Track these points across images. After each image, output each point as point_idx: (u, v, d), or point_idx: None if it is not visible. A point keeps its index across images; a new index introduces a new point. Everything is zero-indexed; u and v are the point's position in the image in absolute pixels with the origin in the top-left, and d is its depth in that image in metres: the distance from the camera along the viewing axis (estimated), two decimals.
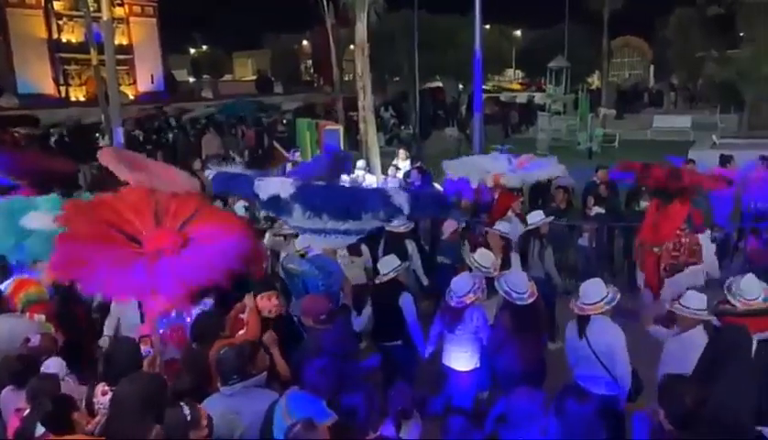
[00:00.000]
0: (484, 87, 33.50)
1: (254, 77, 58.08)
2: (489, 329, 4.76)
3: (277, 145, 16.70)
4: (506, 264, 5.91)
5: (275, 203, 4.64)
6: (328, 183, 5.08)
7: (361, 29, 14.00)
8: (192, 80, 58.84)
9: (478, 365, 4.81)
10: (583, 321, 4.32)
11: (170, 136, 22.92)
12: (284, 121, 24.43)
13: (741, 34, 18.91)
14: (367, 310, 5.33)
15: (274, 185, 4.62)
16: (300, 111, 26.57)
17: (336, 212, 4.62)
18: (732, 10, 18.91)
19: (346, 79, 29.19)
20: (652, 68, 44.70)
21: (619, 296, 4.37)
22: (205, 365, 3.73)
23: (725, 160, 9.43)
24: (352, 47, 16.59)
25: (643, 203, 8.12)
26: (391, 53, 27.14)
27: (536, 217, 6.66)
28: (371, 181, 10.41)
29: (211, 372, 3.67)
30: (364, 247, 6.54)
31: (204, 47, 61.27)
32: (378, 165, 13.72)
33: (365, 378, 4.47)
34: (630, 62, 47.78)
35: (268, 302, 4.45)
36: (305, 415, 3.03)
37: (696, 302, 4.28)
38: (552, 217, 6.90)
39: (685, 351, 4.04)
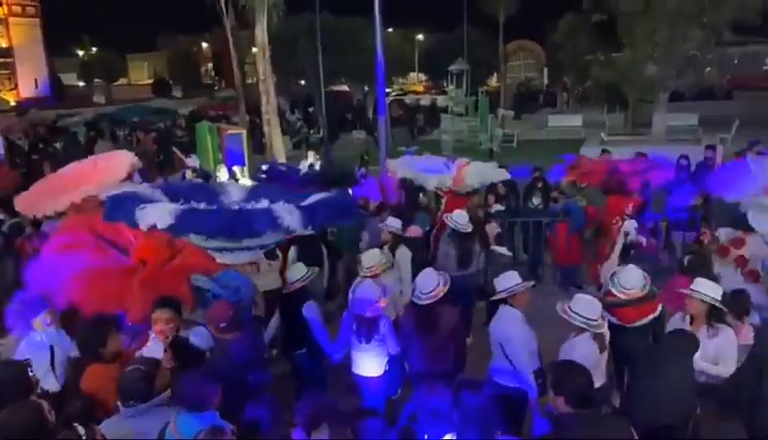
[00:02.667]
0: (389, 90, 34.03)
1: (150, 80, 55.56)
2: (395, 333, 4.78)
3: (176, 150, 16.06)
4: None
5: (163, 229, 4.48)
6: (208, 208, 4.80)
7: (261, 32, 13.77)
8: (81, 84, 55.34)
9: (387, 368, 4.82)
10: (493, 308, 4.44)
11: (59, 144, 21.41)
12: (183, 125, 23.56)
13: (623, 39, 20.33)
14: (276, 319, 5.21)
15: (153, 215, 4.48)
16: (194, 115, 25.69)
17: (228, 235, 4.51)
18: (614, 17, 20.26)
19: (250, 81, 28.59)
20: (545, 70, 47.12)
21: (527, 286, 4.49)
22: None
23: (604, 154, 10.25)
24: (254, 49, 16.28)
25: (536, 200, 8.55)
26: (295, 55, 26.87)
27: (462, 219, 6.71)
28: None
29: (96, 395, 3.48)
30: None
31: (94, 49, 57.70)
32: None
33: (272, 388, 4.38)
34: (525, 65, 49.93)
35: (159, 326, 4.07)
36: (194, 431, 2.97)
37: (580, 306, 4.20)
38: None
39: (573, 357, 3.98)
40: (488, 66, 37.40)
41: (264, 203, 4.82)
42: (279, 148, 13.94)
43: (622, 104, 24.03)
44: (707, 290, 4.37)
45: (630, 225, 7.13)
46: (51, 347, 4.27)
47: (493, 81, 42.41)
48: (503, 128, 23.76)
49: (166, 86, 50.28)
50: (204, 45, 57.93)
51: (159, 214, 4.46)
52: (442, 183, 8.52)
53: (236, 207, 5.08)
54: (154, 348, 4.04)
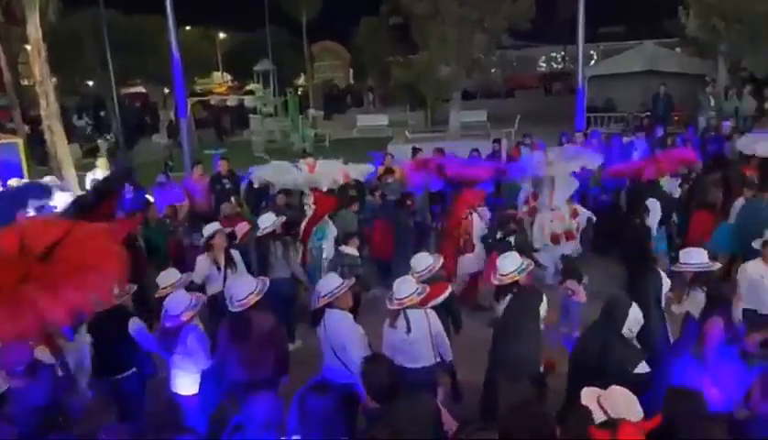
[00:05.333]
0: (192, 91, 32.34)
1: None
2: (205, 347, 4.58)
3: None
4: (230, 263, 6.10)
5: None
6: None
7: (35, 28, 12.22)
8: None
9: (201, 386, 4.59)
10: (318, 313, 4.41)
11: None
12: None
13: (418, 42, 21.66)
14: (80, 342, 4.86)
15: None
16: None
17: None
18: (408, 20, 21.52)
19: (26, 83, 25.23)
20: (351, 71, 48.52)
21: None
22: None
23: (415, 152, 10.71)
24: (28, 47, 14.36)
25: (369, 198, 8.74)
26: (81, 55, 24.38)
27: (267, 221, 6.58)
28: (64, 199, 9.09)
29: None
30: None
31: None
32: (75, 179, 12.18)
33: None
34: (331, 66, 50.88)
35: None
36: None
37: (398, 289, 4.38)
38: (284, 218, 6.98)
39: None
40: (295, 66, 37.48)
41: None
42: (65, 156, 12.43)
43: (422, 103, 25.62)
44: (512, 264, 4.69)
45: (483, 214, 7.58)
46: None
47: (301, 81, 42.59)
48: (314, 128, 23.96)
49: None
50: None
51: None
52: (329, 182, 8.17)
53: None
54: None
